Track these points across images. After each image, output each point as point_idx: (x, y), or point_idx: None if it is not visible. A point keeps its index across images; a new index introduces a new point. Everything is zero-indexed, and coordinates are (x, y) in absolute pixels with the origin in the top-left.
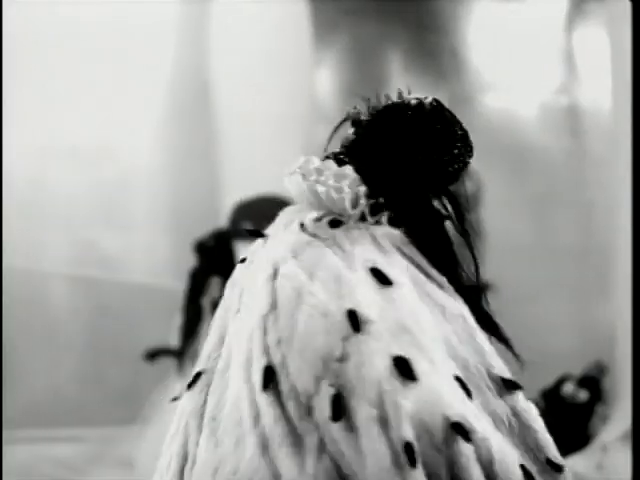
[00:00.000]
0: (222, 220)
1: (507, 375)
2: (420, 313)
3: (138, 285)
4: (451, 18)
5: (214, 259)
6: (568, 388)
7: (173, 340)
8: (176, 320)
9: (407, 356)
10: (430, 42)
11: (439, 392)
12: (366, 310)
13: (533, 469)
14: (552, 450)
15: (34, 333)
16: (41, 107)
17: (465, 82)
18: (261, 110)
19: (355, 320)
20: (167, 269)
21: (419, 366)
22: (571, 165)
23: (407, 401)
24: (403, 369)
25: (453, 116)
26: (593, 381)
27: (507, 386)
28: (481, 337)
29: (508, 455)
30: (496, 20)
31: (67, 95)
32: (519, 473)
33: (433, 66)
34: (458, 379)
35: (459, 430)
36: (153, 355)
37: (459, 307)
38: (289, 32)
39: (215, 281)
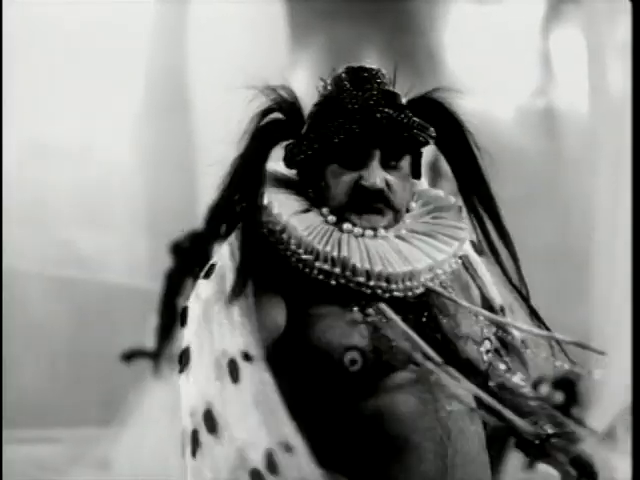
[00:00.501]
0: (198, 221)
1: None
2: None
3: (115, 285)
4: (427, 19)
5: (190, 260)
6: (543, 390)
7: (149, 341)
8: (152, 321)
9: None
10: (406, 43)
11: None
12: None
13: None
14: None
15: (11, 333)
16: (20, 107)
17: (441, 83)
18: (238, 110)
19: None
20: (144, 270)
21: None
22: (548, 167)
23: None
24: None
25: (349, 87)
26: (568, 383)
27: None
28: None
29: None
30: (473, 22)
31: (46, 96)
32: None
33: (409, 67)
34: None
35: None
36: (130, 356)
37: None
38: (265, 33)
39: (191, 283)
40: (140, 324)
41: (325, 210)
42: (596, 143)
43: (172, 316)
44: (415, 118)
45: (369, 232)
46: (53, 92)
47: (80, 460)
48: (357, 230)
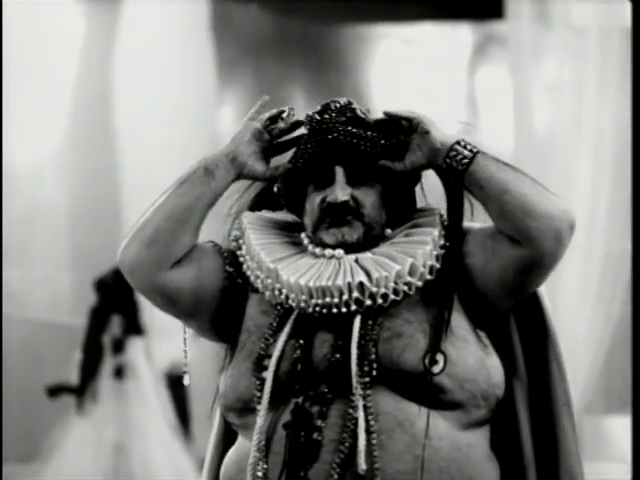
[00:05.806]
0: None
1: None
2: None
3: (38, 321)
4: (354, 57)
5: (114, 296)
6: None
7: (73, 377)
8: (76, 357)
9: None
10: (333, 81)
11: None
12: None
13: None
14: None
15: None
16: None
17: None
18: (164, 145)
19: None
20: (67, 305)
21: None
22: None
23: None
24: None
25: (311, 114)
26: None
27: None
28: None
29: None
30: (399, 60)
31: None
32: None
33: None
34: None
35: None
36: (53, 392)
37: None
38: (192, 70)
39: (115, 319)
40: (64, 360)
41: (303, 234)
42: None
43: (96, 352)
44: (382, 140)
45: (339, 252)
46: None
47: None
48: (328, 252)
